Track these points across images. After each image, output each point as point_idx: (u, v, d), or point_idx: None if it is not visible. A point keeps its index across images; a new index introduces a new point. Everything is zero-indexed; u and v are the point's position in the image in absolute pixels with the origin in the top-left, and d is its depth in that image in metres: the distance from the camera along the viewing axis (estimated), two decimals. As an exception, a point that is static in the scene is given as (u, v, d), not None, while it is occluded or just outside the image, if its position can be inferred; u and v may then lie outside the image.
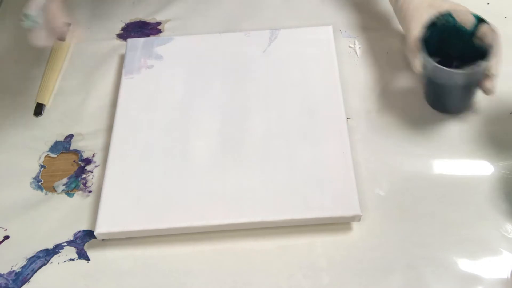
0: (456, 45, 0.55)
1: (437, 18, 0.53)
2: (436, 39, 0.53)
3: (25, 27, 0.50)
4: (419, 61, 0.53)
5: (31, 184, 0.56)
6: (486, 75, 0.52)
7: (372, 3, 0.68)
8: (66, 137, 0.59)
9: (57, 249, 0.51)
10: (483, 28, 0.52)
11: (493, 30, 0.51)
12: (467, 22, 0.53)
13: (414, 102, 0.58)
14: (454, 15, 0.53)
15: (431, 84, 0.55)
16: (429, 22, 0.53)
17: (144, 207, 0.50)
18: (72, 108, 0.62)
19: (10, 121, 0.61)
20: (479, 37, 0.53)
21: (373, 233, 0.50)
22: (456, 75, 0.51)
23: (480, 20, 0.52)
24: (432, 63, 0.50)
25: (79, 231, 0.52)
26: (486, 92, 0.53)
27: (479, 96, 0.57)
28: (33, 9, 0.49)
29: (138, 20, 0.70)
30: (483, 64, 0.50)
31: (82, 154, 0.58)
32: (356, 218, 0.49)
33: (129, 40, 0.64)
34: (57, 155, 0.58)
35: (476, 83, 0.53)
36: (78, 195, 0.55)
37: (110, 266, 0.50)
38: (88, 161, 0.57)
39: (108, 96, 0.62)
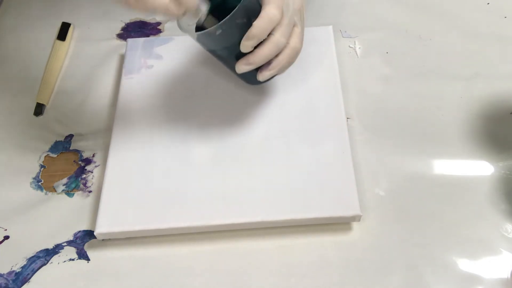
0: None
1: None
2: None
3: None
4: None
5: (31, 184, 0.56)
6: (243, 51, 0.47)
7: (372, 3, 0.68)
8: (66, 137, 0.59)
9: (57, 249, 0.51)
10: None
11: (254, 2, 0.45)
12: None
13: (413, 102, 0.58)
14: None
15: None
16: None
17: (144, 207, 0.50)
18: (72, 108, 0.62)
19: (10, 121, 0.61)
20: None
21: (373, 233, 0.50)
22: (195, 36, 0.46)
23: None
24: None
25: (79, 231, 0.52)
26: (237, 70, 0.48)
27: (479, 96, 0.57)
28: None
29: (138, 20, 0.70)
30: (214, 29, 0.44)
31: (82, 154, 0.58)
32: (356, 218, 0.49)
33: (129, 40, 0.64)
34: (57, 155, 0.58)
35: (226, 49, 0.48)
36: (78, 195, 0.55)
37: (110, 266, 0.50)
38: (88, 161, 0.57)
39: (108, 96, 0.62)
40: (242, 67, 0.48)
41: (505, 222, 0.49)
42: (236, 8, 0.44)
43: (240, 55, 0.47)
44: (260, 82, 0.51)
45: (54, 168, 0.57)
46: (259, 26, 0.45)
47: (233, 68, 0.50)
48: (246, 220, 0.49)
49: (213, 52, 0.50)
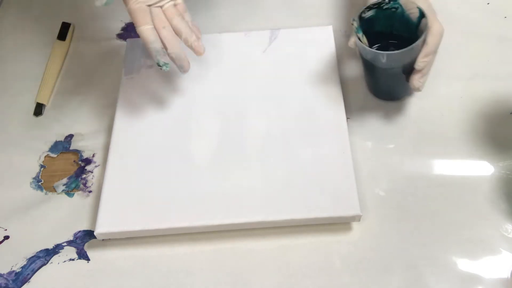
0: (404, 36, 0.53)
1: (384, 2, 0.53)
2: (383, 24, 0.54)
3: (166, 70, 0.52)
4: (354, 38, 0.52)
5: (31, 184, 0.56)
6: (414, 68, 0.51)
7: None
8: (66, 137, 0.59)
9: (57, 249, 0.51)
10: (423, 22, 0.51)
11: (427, 25, 0.50)
12: (414, 14, 0.52)
13: (413, 102, 0.58)
14: (402, 3, 0.52)
15: (365, 67, 0.55)
16: (374, 3, 0.52)
17: (144, 207, 0.50)
18: (72, 108, 0.62)
19: (10, 121, 0.61)
20: (421, 31, 0.51)
21: (373, 233, 0.50)
22: (379, 55, 0.51)
23: (422, 14, 0.51)
24: (359, 41, 0.51)
25: (79, 231, 0.52)
26: (412, 87, 0.52)
27: (479, 96, 0.57)
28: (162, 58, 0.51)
29: (138, 20, 0.69)
30: (405, 51, 0.49)
31: (82, 154, 0.58)
32: (356, 218, 0.49)
33: (129, 40, 0.64)
34: (57, 155, 0.58)
35: (402, 70, 0.52)
36: (78, 195, 0.55)
37: (110, 266, 0.50)
38: (88, 161, 0.57)
39: (108, 96, 0.62)
40: (419, 81, 0.51)
41: (505, 222, 0.49)
42: (423, 35, 0.49)
43: (406, 71, 0.52)
44: (400, 97, 0.57)
45: (54, 168, 0.57)
46: (434, 43, 0.49)
47: (388, 81, 0.55)
48: (246, 220, 0.49)
49: (370, 66, 0.53)
